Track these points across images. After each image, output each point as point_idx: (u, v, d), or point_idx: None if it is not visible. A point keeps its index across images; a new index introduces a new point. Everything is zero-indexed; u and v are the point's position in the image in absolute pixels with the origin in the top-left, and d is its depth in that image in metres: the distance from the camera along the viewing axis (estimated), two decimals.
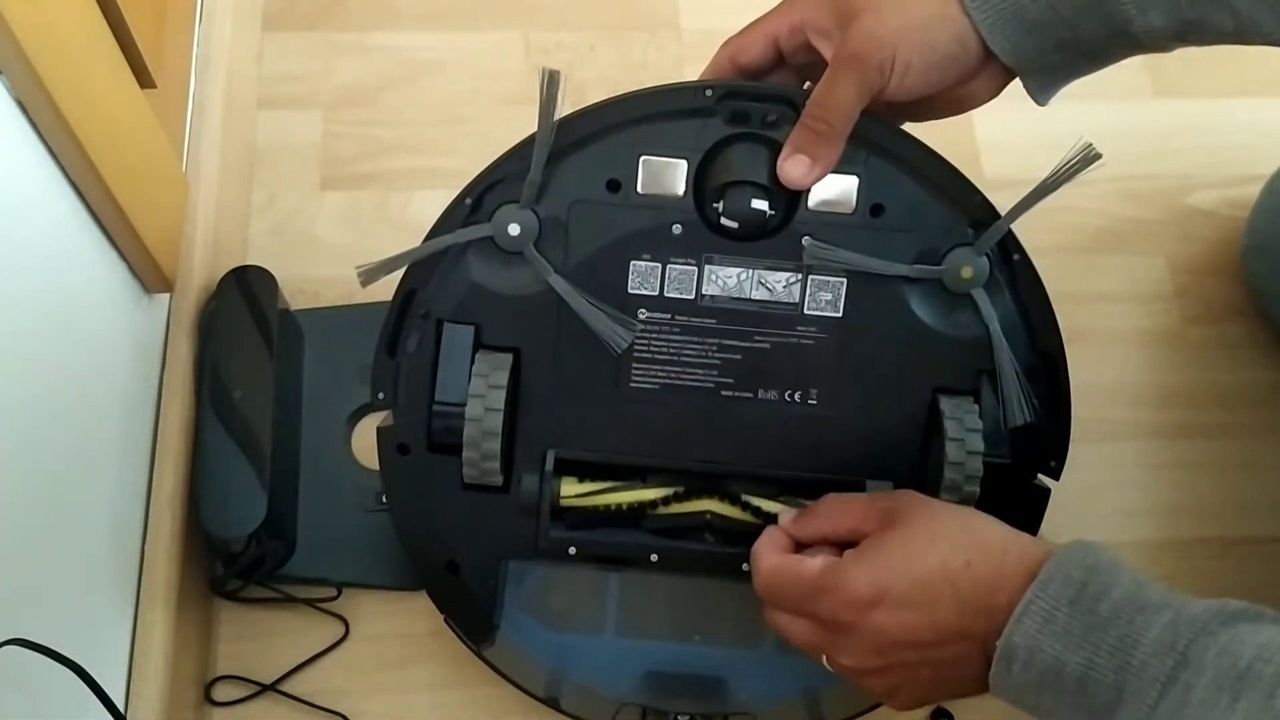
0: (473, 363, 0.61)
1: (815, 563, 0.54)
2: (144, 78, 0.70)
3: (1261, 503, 0.83)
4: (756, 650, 0.68)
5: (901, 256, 0.60)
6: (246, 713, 0.72)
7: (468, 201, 0.61)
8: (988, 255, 0.60)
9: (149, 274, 0.71)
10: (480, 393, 0.60)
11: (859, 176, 0.59)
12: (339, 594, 0.74)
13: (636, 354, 0.62)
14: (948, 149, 0.60)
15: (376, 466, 0.65)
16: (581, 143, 0.60)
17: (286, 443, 0.74)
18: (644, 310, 0.62)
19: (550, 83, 0.56)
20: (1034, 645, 0.48)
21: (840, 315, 0.61)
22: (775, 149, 0.58)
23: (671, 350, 0.62)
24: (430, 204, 0.65)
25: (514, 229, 0.60)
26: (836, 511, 0.57)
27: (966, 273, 0.60)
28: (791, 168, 0.57)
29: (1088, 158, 0.56)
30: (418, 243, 0.61)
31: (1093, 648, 0.47)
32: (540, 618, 0.67)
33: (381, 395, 0.63)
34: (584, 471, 0.64)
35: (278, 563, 0.72)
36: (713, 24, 0.71)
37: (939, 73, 0.56)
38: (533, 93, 0.56)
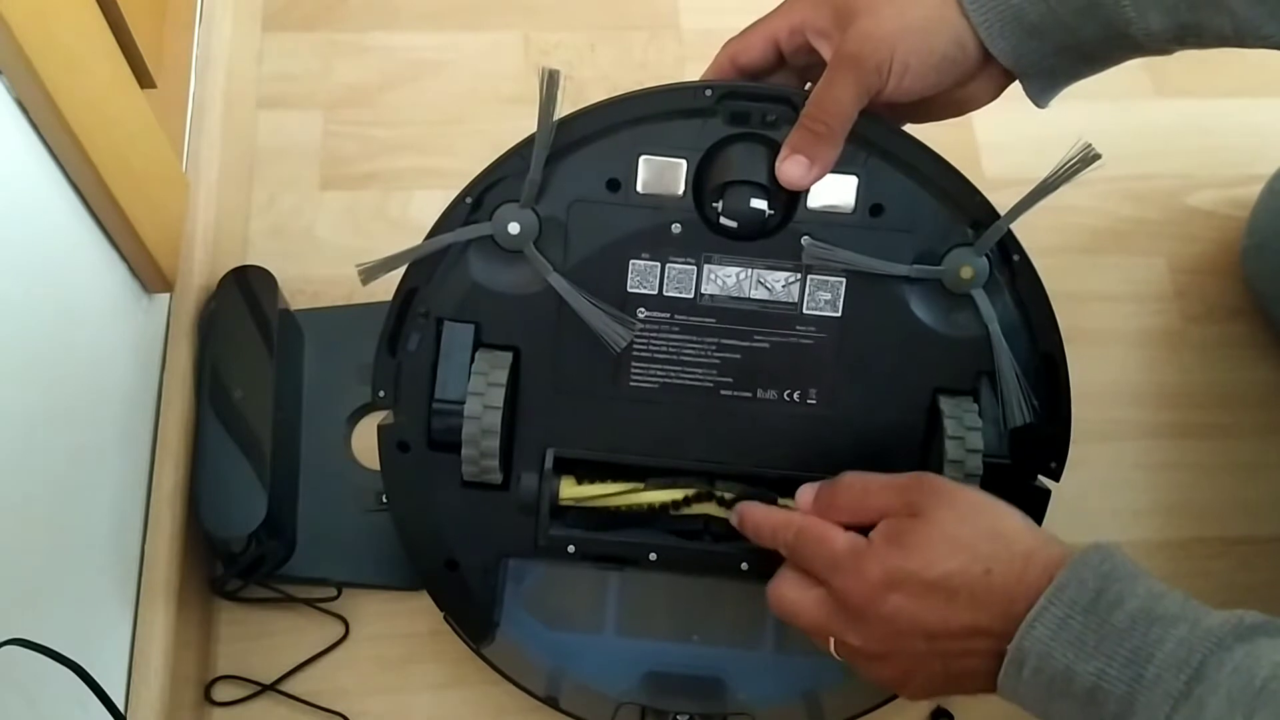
0: (473, 361, 0.62)
1: (845, 538, 0.54)
2: (144, 78, 0.70)
3: (1261, 503, 0.82)
4: (756, 651, 0.68)
5: (901, 256, 0.60)
6: (246, 713, 0.72)
7: (468, 201, 0.61)
8: (987, 255, 0.60)
9: (149, 274, 0.71)
10: (480, 391, 0.60)
11: (858, 176, 0.59)
12: (339, 594, 0.74)
13: (636, 353, 0.62)
14: (948, 149, 0.60)
15: (376, 466, 0.65)
16: (581, 142, 0.60)
17: (286, 443, 0.74)
18: (643, 309, 0.62)
19: (550, 82, 0.56)
20: (1045, 652, 0.47)
21: (839, 315, 0.61)
22: (775, 149, 0.58)
23: (671, 349, 0.62)
24: (430, 204, 0.65)
25: (514, 228, 0.60)
26: (858, 501, 0.56)
27: (966, 273, 0.60)
28: (790, 168, 0.58)
29: (1087, 158, 0.56)
30: (418, 242, 0.61)
31: (1105, 658, 0.46)
32: (540, 617, 0.68)
33: (382, 393, 0.63)
34: (583, 470, 0.64)
35: (278, 562, 0.72)
36: (713, 24, 0.71)
37: (938, 74, 0.56)
38: (533, 93, 0.57)
